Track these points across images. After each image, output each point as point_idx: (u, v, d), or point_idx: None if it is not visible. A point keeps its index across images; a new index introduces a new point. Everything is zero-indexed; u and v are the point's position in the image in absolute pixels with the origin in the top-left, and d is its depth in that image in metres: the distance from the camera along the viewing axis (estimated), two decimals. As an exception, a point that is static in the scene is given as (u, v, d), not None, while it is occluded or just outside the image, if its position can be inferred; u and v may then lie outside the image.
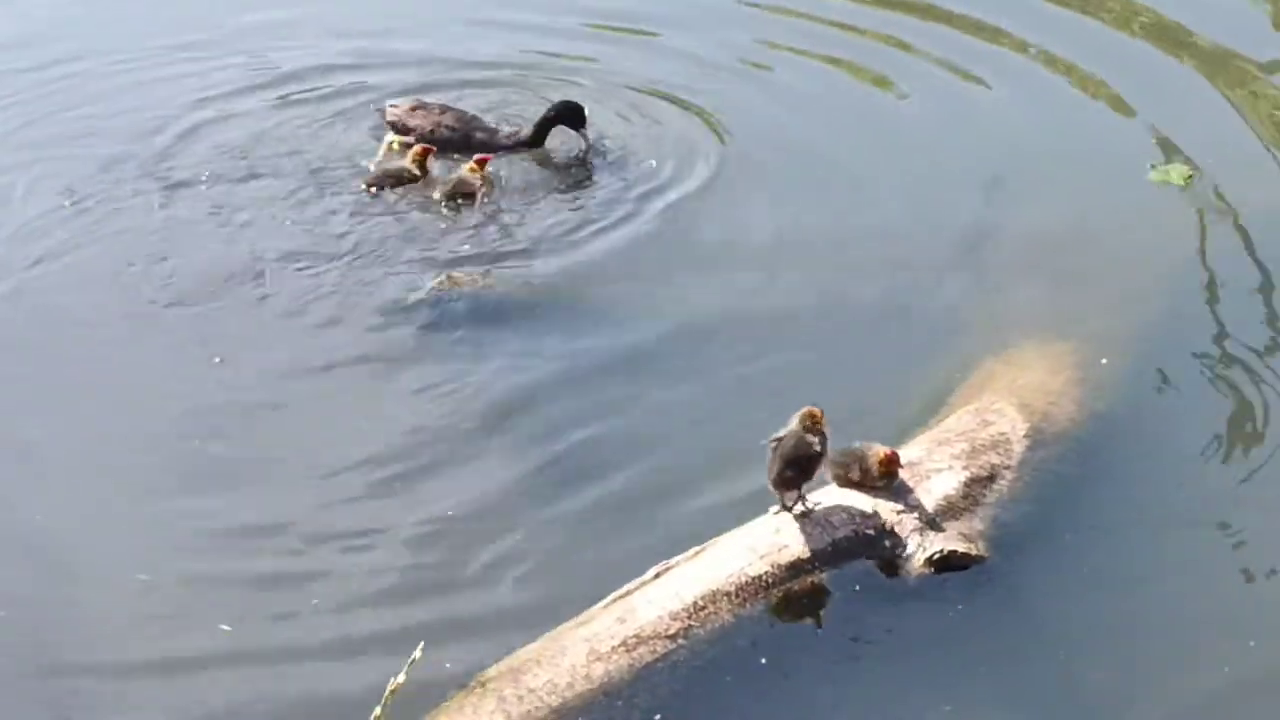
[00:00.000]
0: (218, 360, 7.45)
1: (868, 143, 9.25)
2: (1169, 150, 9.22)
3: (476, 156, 8.86)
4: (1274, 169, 9.21)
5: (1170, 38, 10.59)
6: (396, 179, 8.72)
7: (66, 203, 8.77)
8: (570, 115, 8.97)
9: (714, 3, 11.16)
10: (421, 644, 5.41)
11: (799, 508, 6.32)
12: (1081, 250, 8.31)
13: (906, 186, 8.85)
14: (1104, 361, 7.46)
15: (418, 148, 8.86)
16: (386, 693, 5.31)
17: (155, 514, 6.83)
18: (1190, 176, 8.85)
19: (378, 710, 5.29)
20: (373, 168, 8.81)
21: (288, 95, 9.88)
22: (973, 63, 10.29)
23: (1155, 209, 8.71)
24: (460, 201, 8.68)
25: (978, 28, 10.65)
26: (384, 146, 9.00)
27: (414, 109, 9.13)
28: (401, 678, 5.31)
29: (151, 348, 7.78)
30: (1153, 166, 8.98)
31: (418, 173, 8.77)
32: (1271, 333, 7.81)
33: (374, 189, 8.72)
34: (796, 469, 6.25)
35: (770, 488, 6.35)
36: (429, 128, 8.99)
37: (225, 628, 6.36)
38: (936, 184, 8.85)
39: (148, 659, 6.32)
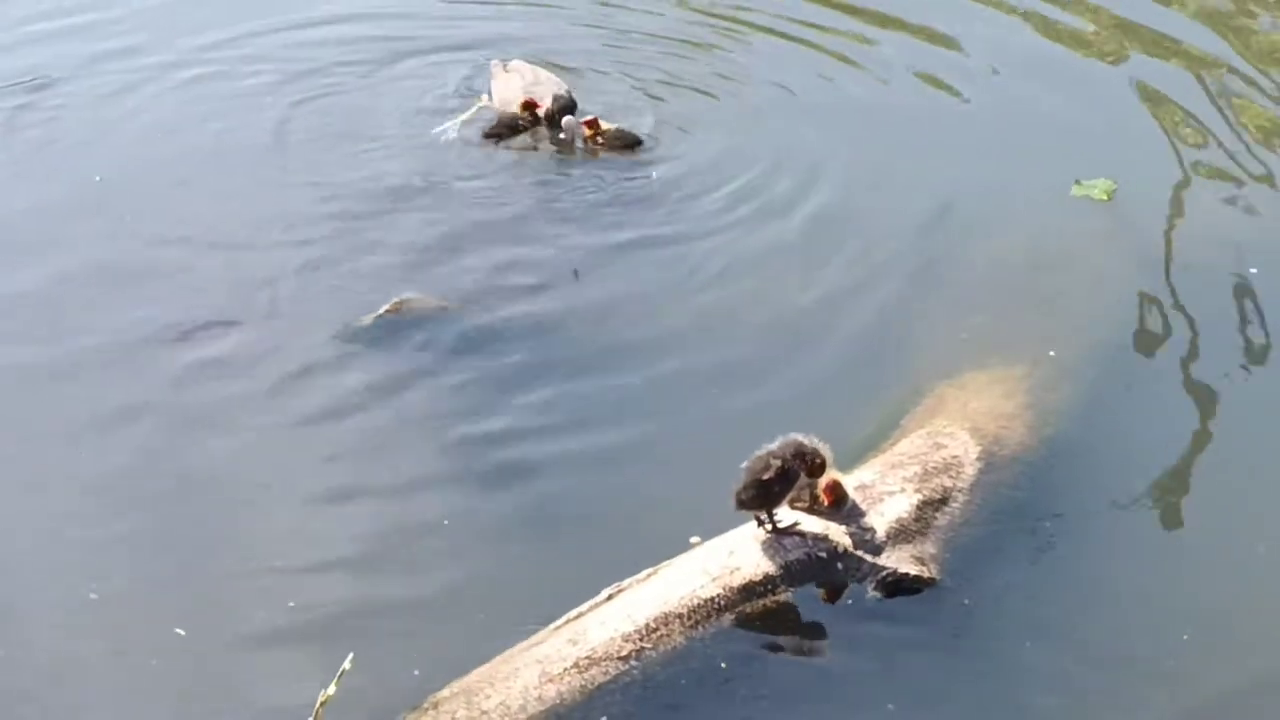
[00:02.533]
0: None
1: (811, 169, 9.23)
2: (1093, 163, 9.22)
3: (524, 100, 9.20)
4: (1196, 179, 9.25)
5: (1095, 47, 10.70)
6: (512, 128, 9.11)
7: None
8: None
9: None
10: (351, 655, 5.37)
11: (779, 523, 6.32)
12: (1025, 272, 8.30)
13: (850, 212, 8.83)
14: (1051, 354, 7.50)
15: (525, 98, 9.24)
16: (317, 704, 5.29)
17: (103, 530, 6.76)
18: (1113, 190, 8.89)
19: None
20: (454, 128, 9.17)
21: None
22: (901, 77, 10.30)
23: (1084, 227, 8.69)
24: (502, 139, 9.14)
25: (907, 40, 10.77)
26: (473, 109, 9.34)
27: (508, 69, 9.52)
28: (332, 689, 5.29)
29: (79, 359, 7.68)
30: (1077, 181, 9.00)
31: (526, 122, 9.15)
32: (1213, 351, 7.87)
33: (494, 139, 9.13)
34: (751, 491, 6.24)
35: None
36: (503, 88, 9.37)
37: (180, 631, 6.28)
38: (880, 208, 8.85)
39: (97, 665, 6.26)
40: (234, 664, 6.18)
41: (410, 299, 7.80)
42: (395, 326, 7.73)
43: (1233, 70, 10.48)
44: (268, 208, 8.86)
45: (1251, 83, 10.33)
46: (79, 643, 6.26)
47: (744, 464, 6.24)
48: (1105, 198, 8.80)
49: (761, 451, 6.24)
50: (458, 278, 8.21)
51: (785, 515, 6.33)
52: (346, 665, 5.32)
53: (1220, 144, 9.63)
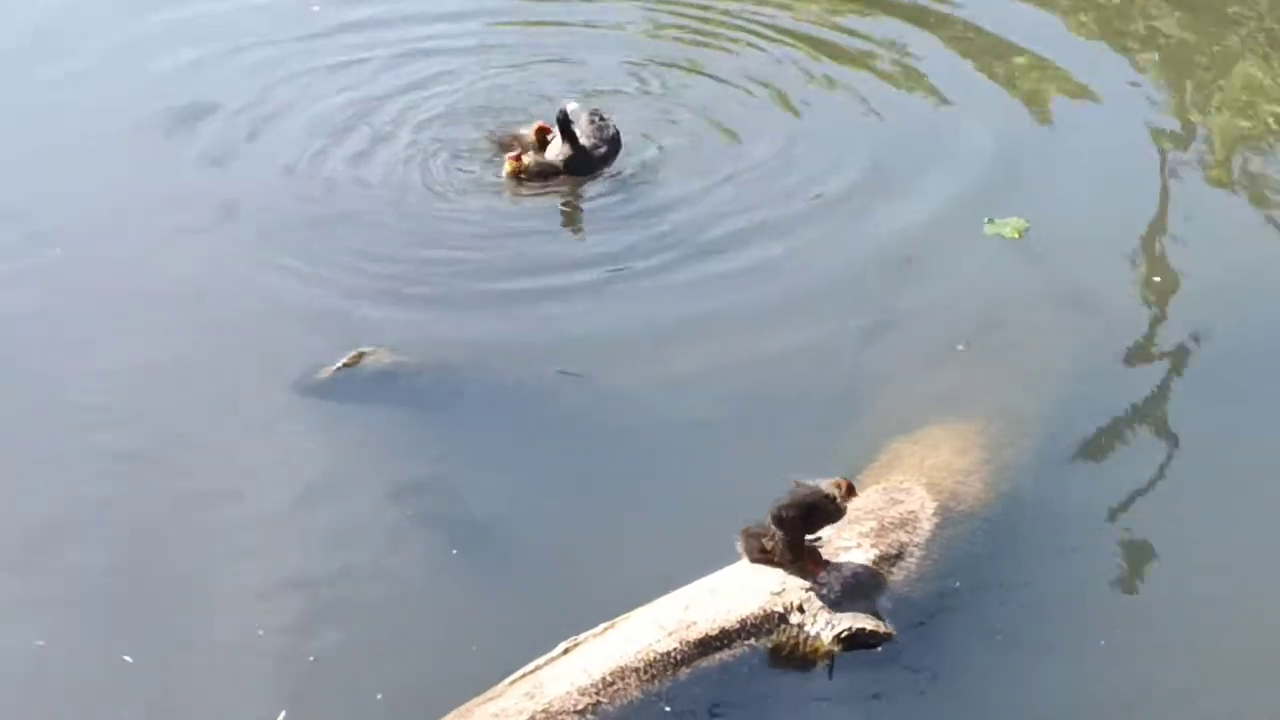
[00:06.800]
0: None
1: (753, 220, 9.16)
2: (1005, 193, 9.30)
3: (539, 124, 9.42)
4: (1105, 216, 9.30)
5: (1003, 84, 10.75)
6: (509, 147, 9.36)
7: None
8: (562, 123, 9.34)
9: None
10: (284, 712, 5.51)
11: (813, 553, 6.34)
12: (966, 322, 8.31)
13: (789, 263, 8.83)
14: (960, 347, 7.81)
15: (539, 124, 9.40)
16: None
17: (51, 578, 6.81)
18: (1025, 229, 8.93)
19: None
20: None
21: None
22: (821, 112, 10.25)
23: (1000, 268, 8.75)
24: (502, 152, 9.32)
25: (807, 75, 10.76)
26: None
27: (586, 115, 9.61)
28: None
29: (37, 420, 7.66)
30: (989, 220, 9.03)
31: (531, 143, 9.36)
32: (1157, 390, 7.93)
33: (496, 144, 9.40)
34: (796, 511, 6.27)
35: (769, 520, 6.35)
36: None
37: (128, 659, 6.35)
38: (815, 259, 8.83)
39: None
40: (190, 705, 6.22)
41: (369, 352, 7.78)
42: (353, 380, 7.72)
43: (1136, 96, 10.57)
44: (225, 246, 8.90)
45: (1154, 108, 10.42)
46: (28, 692, 6.33)
47: (794, 482, 6.29)
48: (1017, 235, 8.85)
49: (813, 482, 6.30)
50: (417, 329, 8.19)
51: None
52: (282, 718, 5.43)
53: (1120, 176, 9.74)
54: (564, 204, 9.33)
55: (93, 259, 8.79)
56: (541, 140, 9.43)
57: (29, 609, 6.65)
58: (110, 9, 11.44)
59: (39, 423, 7.64)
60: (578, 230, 9.23)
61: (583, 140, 9.33)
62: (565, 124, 9.22)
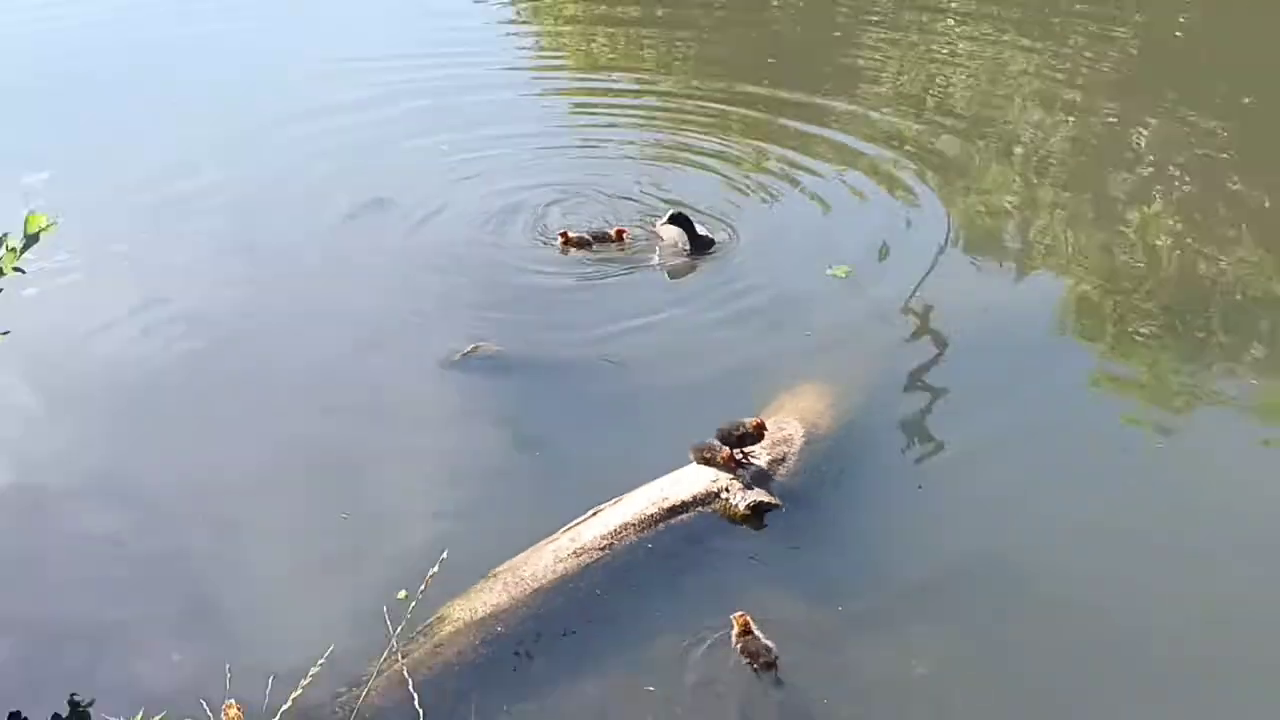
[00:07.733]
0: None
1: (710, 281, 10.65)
2: (840, 251, 10.87)
3: (617, 229, 10.87)
4: (900, 264, 10.85)
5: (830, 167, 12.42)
6: (597, 236, 10.72)
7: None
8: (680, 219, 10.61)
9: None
10: (445, 550, 6.27)
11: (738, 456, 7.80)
12: (811, 325, 10.00)
13: (725, 287, 10.46)
14: (808, 334, 9.47)
15: (618, 228, 10.88)
16: (427, 577, 6.10)
17: (287, 487, 8.33)
18: (850, 271, 10.45)
19: (423, 586, 6.17)
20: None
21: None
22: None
23: (848, 295, 10.22)
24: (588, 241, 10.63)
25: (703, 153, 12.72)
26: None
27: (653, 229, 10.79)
28: (435, 569, 6.08)
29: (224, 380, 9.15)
30: (829, 267, 10.52)
31: (613, 239, 10.74)
32: (935, 372, 9.39)
33: (590, 235, 10.65)
34: (723, 434, 7.91)
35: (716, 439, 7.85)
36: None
37: (344, 515, 7.80)
38: (736, 296, 10.44)
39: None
40: (380, 547, 7.77)
41: (481, 345, 9.40)
42: (473, 362, 9.31)
43: (926, 183, 12.20)
44: (397, 279, 10.65)
45: (934, 194, 12.00)
46: (291, 536, 7.92)
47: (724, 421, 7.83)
48: (844, 275, 10.46)
49: (739, 419, 7.90)
50: (514, 332, 9.74)
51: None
52: (444, 555, 6.22)
53: (909, 240, 11.31)
54: (600, 267, 10.78)
55: (296, 290, 10.50)
56: (619, 236, 10.83)
57: (283, 494, 8.18)
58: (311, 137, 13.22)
59: (269, 386, 9.20)
60: (613, 280, 10.68)
61: (698, 231, 10.83)
62: (687, 222, 10.72)
